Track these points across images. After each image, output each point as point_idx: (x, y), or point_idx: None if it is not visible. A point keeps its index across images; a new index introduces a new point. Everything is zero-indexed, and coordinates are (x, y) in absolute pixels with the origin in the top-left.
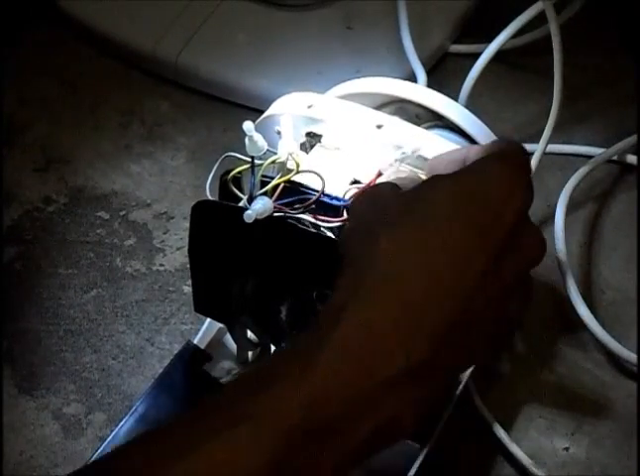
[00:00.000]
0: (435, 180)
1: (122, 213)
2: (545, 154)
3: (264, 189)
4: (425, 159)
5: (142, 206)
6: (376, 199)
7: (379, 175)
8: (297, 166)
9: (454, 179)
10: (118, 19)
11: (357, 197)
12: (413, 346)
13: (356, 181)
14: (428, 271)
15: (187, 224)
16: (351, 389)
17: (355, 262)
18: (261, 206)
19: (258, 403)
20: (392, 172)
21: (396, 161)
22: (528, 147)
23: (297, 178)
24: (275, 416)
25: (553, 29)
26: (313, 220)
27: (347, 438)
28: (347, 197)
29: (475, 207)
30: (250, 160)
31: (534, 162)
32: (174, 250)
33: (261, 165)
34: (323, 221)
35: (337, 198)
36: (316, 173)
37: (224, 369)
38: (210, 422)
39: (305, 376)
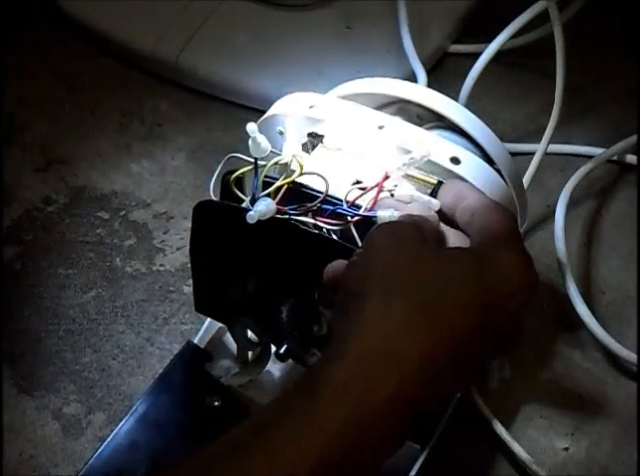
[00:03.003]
0: (456, 258)
1: (122, 213)
2: (545, 154)
3: (267, 191)
4: (433, 163)
5: (142, 206)
6: (400, 245)
7: (387, 177)
8: (301, 168)
9: (477, 267)
10: (118, 19)
11: (380, 230)
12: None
13: (358, 182)
14: (429, 355)
15: (187, 224)
16: (340, 470)
17: (366, 316)
18: (263, 208)
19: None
20: (399, 175)
21: (404, 165)
22: (528, 147)
23: (300, 180)
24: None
25: (556, 29)
26: (314, 222)
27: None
28: (349, 198)
29: (488, 298)
30: (253, 161)
31: (535, 162)
32: (174, 250)
33: (264, 166)
34: (324, 223)
35: (339, 204)
36: (320, 175)
37: (224, 369)
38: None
39: (295, 455)
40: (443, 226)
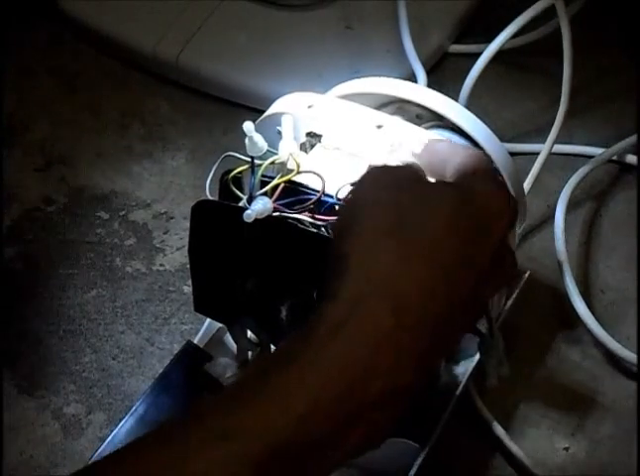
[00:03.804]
0: (440, 190)
1: (122, 213)
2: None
3: (263, 190)
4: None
5: (142, 206)
6: (380, 188)
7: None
8: (298, 166)
9: (457, 196)
10: (118, 19)
11: (362, 179)
12: (402, 372)
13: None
14: (424, 288)
15: (187, 224)
16: (342, 406)
17: (355, 270)
18: (260, 206)
19: (246, 417)
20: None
21: (386, 153)
22: (528, 147)
23: (297, 179)
24: (264, 431)
25: (564, 26)
26: (311, 220)
27: (333, 451)
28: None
29: (473, 223)
30: (250, 160)
31: (539, 162)
32: (174, 250)
33: (261, 165)
34: (321, 221)
35: (334, 198)
36: (316, 173)
37: (224, 369)
38: (198, 435)
39: (296, 392)
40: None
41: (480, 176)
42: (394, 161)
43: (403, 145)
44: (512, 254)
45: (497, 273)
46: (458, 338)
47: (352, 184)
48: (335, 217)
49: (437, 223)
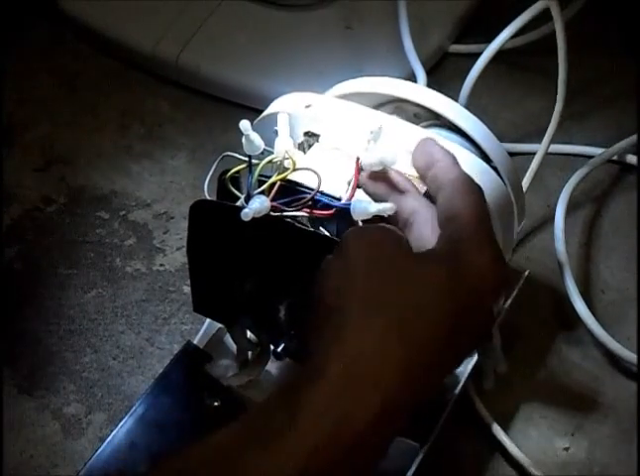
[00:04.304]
0: (430, 264)
1: (122, 213)
2: (545, 154)
3: (261, 188)
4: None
5: (142, 206)
6: (376, 255)
7: (359, 163)
8: (293, 164)
9: (447, 270)
10: (118, 19)
11: (351, 236)
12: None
13: None
14: (406, 374)
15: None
16: (337, 445)
17: (347, 333)
18: (257, 205)
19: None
20: (369, 156)
21: (369, 142)
22: (528, 147)
23: (294, 177)
24: None
25: (558, 27)
26: (308, 214)
27: None
28: (345, 199)
29: (463, 301)
30: (247, 159)
31: (536, 162)
32: (174, 250)
33: (258, 164)
34: (319, 215)
35: (334, 198)
36: (312, 170)
37: (224, 369)
38: None
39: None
40: (414, 207)
41: (473, 233)
42: (375, 151)
43: (383, 131)
44: (493, 320)
45: (478, 338)
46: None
47: (338, 242)
48: (330, 211)
49: (428, 306)
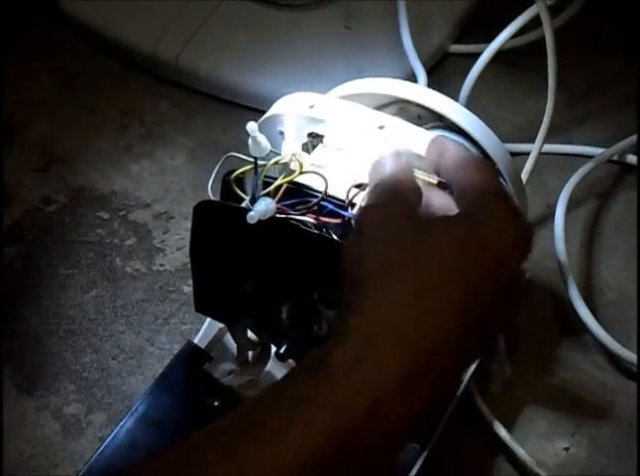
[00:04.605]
0: (447, 227)
1: (122, 213)
2: (545, 154)
3: (266, 190)
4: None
5: (142, 206)
6: (391, 226)
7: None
8: (300, 167)
9: (465, 230)
10: (118, 19)
11: (369, 212)
12: (406, 420)
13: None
14: (436, 335)
15: (187, 224)
16: (343, 454)
17: (366, 310)
18: (263, 207)
19: (253, 453)
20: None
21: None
22: (528, 147)
23: (300, 180)
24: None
25: (547, 30)
26: (315, 221)
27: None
28: (352, 210)
29: (484, 259)
30: (252, 160)
31: (530, 162)
32: (174, 250)
33: (264, 165)
34: (325, 222)
35: (341, 205)
36: (319, 174)
37: (224, 369)
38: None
39: (303, 436)
40: (425, 188)
41: (490, 198)
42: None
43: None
44: (522, 285)
45: (507, 305)
46: (463, 373)
47: (358, 212)
48: (337, 220)
49: (449, 265)
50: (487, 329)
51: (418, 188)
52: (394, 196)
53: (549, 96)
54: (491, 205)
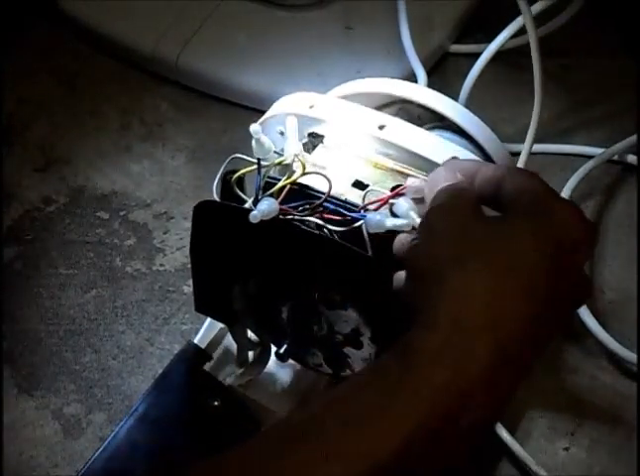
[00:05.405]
0: (512, 223)
1: (122, 213)
2: (545, 154)
3: (270, 191)
4: (434, 164)
5: (142, 206)
6: (460, 223)
7: (398, 193)
8: (303, 167)
9: (531, 224)
10: (118, 19)
11: (436, 213)
12: (494, 406)
13: (358, 182)
14: (522, 320)
15: (187, 224)
16: (436, 440)
17: (450, 298)
18: (266, 207)
19: (348, 442)
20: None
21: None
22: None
23: (303, 180)
24: (365, 457)
25: (532, 40)
26: (320, 221)
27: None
28: (363, 211)
29: (556, 249)
30: (255, 161)
31: (520, 163)
32: (174, 250)
33: (266, 166)
34: (331, 223)
35: (353, 208)
36: (323, 175)
37: (224, 369)
38: (301, 456)
39: (397, 422)
40: None
41: (548, 196)
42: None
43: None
44: (589, 278)
45: (576, 297)
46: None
47: (426, 212)
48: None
49: (523, 254)
50: (559, 319)
51: (475, 192)
52: (456, 198)
53: (535, 100)
54: (552, 201)
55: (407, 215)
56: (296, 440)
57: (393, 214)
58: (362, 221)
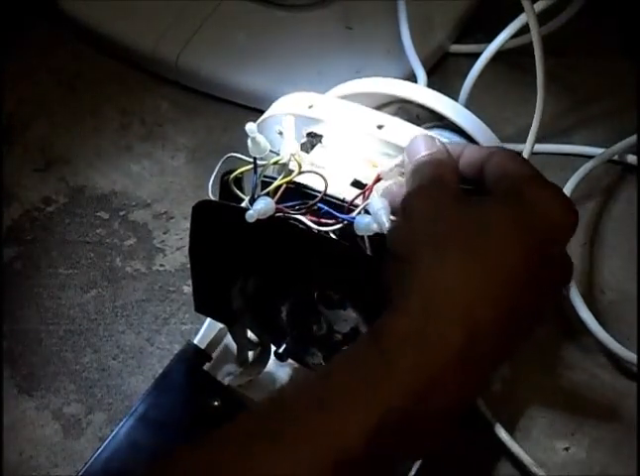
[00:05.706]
0: (492, 205)
1: (122, 213)
2: (545, 154)
3: (266, 190)
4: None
5: (142, 206)
6: (438, 205)
7: (378, 179)
8: (299, 167)
9: (511, 208)
10: (118, 19)
11: (414, 195)
12: (466, 389)
13: (356, 182)
14: (492, 304)
15: (188, 224)
16: (408, 422)
17: (421, 282)
18: (262, 207)
19: (317, 425)
20: (392, 176)
21: (396, 166)
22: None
23: (299, 179)
24: (335, 441)
25: (535, 38)
26: (313, 224)
27: (395, 463)
28: (347, 199)
29: (536, 236)
30: (252, 160)
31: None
32: (174, 250)
33: (263, 165)
34: (324, 225)
35: (340, 207)
36: (319, 174)
37: (224, 369)
38: (272, 434)
39: (369, 404)
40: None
41: (531, 179)
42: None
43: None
44: (570, 262)
45: (558, 283)
46: (518, 348)
47: (404, 196)
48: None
49: (500, 238)
50: (540, 307)
51: (457, 168)
52: (436, 178)
53: (537, 101)
54: (534, 185)
55: (376, 214)
56: (266, 424)
57: (367, 212)
58: (340, 225)
